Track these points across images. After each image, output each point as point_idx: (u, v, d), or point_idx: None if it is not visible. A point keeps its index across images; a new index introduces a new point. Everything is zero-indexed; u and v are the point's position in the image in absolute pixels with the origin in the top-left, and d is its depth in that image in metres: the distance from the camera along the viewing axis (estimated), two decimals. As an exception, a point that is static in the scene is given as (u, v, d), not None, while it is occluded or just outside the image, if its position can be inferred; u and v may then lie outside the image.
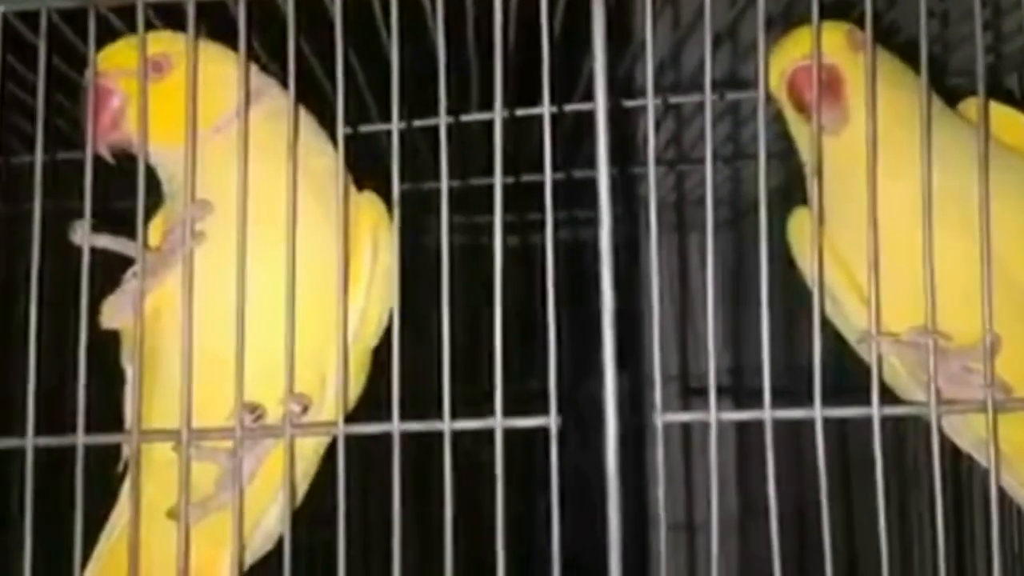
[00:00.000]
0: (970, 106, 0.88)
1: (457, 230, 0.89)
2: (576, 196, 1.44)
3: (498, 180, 0.83)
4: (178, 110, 0.84)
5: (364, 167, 0.94)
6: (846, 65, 0.86)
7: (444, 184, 0.85)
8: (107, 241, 0.84)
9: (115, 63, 0.87)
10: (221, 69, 0.89)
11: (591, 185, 0.84)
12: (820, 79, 0.82)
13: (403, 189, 0.85)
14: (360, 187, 0.93)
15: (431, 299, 0.82)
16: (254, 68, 0.91)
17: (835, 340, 0.90)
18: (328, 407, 0.86)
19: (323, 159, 0.90)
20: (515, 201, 1.01)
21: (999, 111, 0.88)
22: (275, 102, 0.90)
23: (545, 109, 0.84)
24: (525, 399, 0.82)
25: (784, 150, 1.16)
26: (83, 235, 0.82)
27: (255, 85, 0.89)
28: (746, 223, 1.59)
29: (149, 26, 0.86)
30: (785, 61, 0.87)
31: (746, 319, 1.48)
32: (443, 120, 0.86)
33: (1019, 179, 0.82)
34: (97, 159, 0.86)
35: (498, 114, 0.84)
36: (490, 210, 0.83)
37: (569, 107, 1.22)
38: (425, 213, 1.02)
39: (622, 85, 1.24)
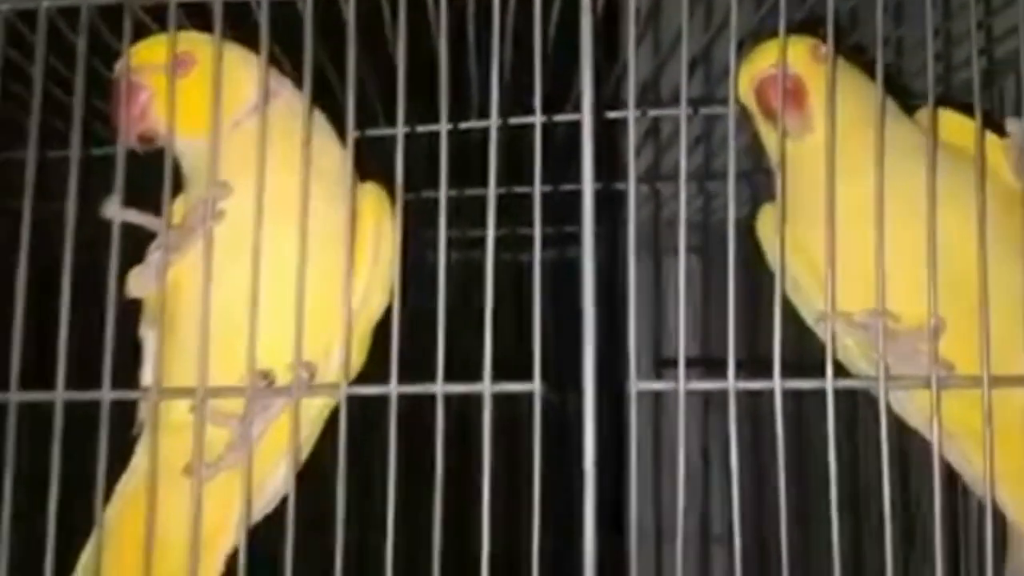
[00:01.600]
0: (924, 114, 0.94)
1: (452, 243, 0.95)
2: (566, 214, 1.49)
3: (492, 186, 0.88)
4: (200, 104, 0.90)
5: (369, 171, 0.99)
6: (810, 75, 0.92)
7: (443, 181, 0.90)
8: (135, 216, 0.89)
9: (144, 59, 0.93)
10: (240, 68, 0.94)
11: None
12: (785, 87, 0.88)
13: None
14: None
15: (428, 299, 0.87)
16: (272, 69, 0.97)
17: (796, 326, 0.95)
18: (332, 376, 0.91)
19: (332, 155, 0.95)
20: (508, 216, 1.07)
21: (949, 117, 0.94)
22: (289, 100, 0.96)
23: (537, 118, 0.90)
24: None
25: (753, 168, 1.22)
26: (115, 210, 0.88)
27: (272, 84, 0.95)
28: (715, 237, 1.65)
29: (178, 26, 0.92)
30: (754, 70, 0.93)
31: (716, 310, 1.54)
32: (444, 126, 0.92)
33: (964, 179, 0.87)
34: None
35: (494, 123, 0.90)
36: (484, 223, 0.88)
37: (559, 117, 1.28)
38: (422, 224, 1.07)
39: (609, 103, 1.30)
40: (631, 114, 0.93)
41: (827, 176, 0.85)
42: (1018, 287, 0.88)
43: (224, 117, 0.91)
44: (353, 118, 0.91)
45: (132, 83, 0.92)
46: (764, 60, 0.92)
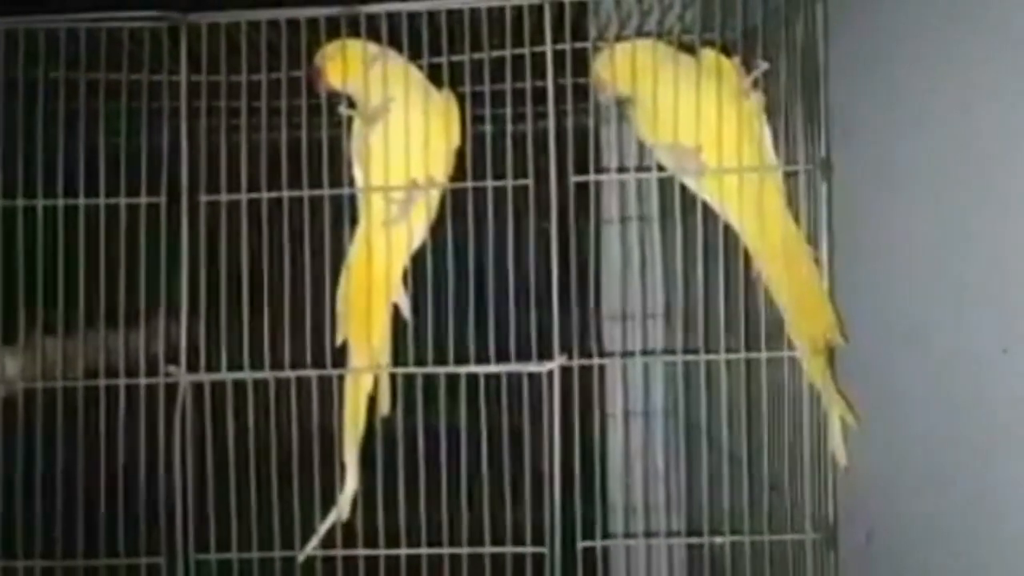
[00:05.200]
0: (702, 56, 1.96)
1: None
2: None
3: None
4: (352, 69, 1.93)
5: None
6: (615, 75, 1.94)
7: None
8: (352, 112, 1.93)
9: (324, 55, 1.94)
10: (358, 45, 1.96)
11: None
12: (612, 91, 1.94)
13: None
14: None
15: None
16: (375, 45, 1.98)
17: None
18: (441, 179, 1.95)
19: (418, 74, 1.98)
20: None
21: (708, 54, 1.93)
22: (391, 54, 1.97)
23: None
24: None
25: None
26: (343, 109, 1.91)
27: (376, 50, 1.96)
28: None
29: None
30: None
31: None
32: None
33: (714, 82, 1.90)
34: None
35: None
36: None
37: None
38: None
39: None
40: None
41: (653, 91, 1.90)
42: (733, 128, 1.89)
43: (361, 70, 1.94)
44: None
45: (320, 66, 1.95)
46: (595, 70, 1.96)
